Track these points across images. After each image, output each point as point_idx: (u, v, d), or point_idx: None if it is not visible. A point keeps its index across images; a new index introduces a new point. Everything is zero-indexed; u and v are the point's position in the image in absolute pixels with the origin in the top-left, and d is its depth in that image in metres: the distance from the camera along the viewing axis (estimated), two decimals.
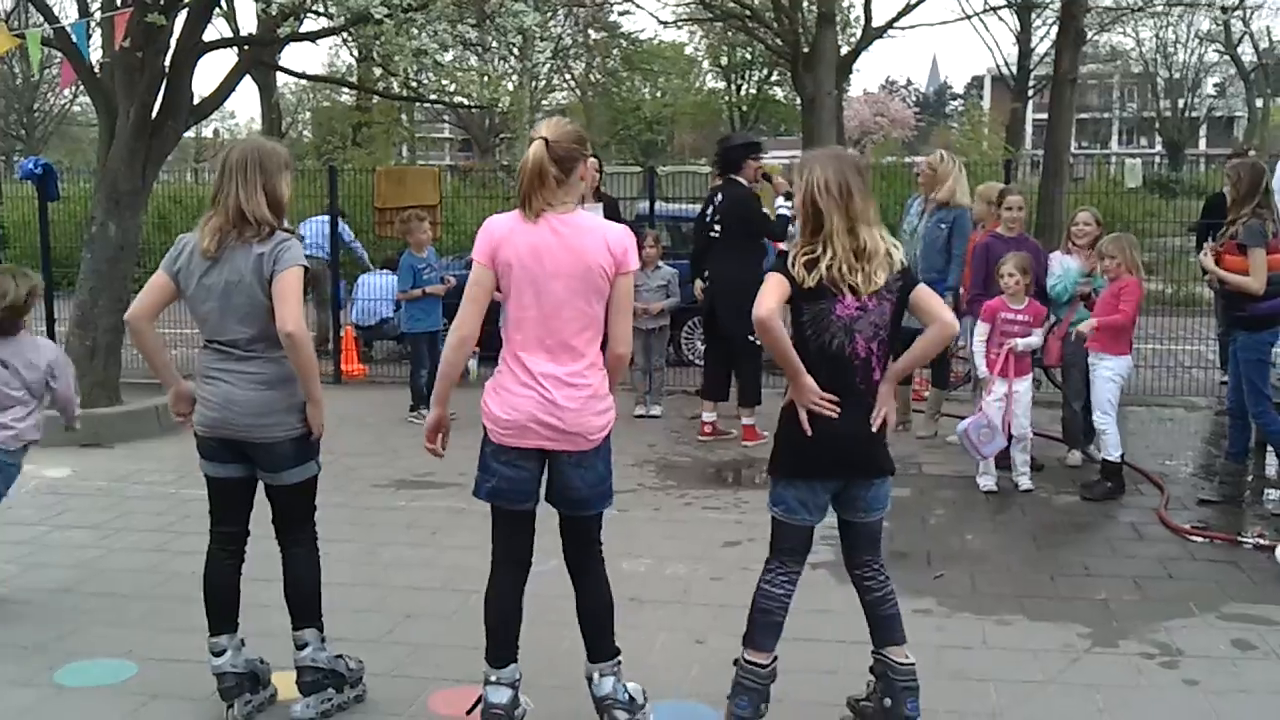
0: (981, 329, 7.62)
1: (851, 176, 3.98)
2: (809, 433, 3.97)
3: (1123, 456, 7.36)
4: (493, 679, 4.07)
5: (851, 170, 4.02)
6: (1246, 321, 6.87)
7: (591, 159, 9.58)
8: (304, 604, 4.38)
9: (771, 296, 3.91)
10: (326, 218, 12.47)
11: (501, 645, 4.10)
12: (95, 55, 9.99)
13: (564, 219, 3.94)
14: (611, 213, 10.07)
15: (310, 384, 4.22)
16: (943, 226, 8.60)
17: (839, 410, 3.95)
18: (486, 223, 4.06)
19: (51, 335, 12.18)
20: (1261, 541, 6.21)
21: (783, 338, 3.96)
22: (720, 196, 9.00)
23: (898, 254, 4.00)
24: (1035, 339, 7.44)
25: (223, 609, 4.35)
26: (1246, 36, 46.84)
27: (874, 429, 3.99)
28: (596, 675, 4.14)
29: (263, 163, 4.18)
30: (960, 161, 9.06)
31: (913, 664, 4.11)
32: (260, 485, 4.36)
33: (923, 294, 4.02)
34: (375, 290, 13.04)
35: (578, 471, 4.00)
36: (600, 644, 4.17)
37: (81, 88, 9.91)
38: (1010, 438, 7.38)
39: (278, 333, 4.10)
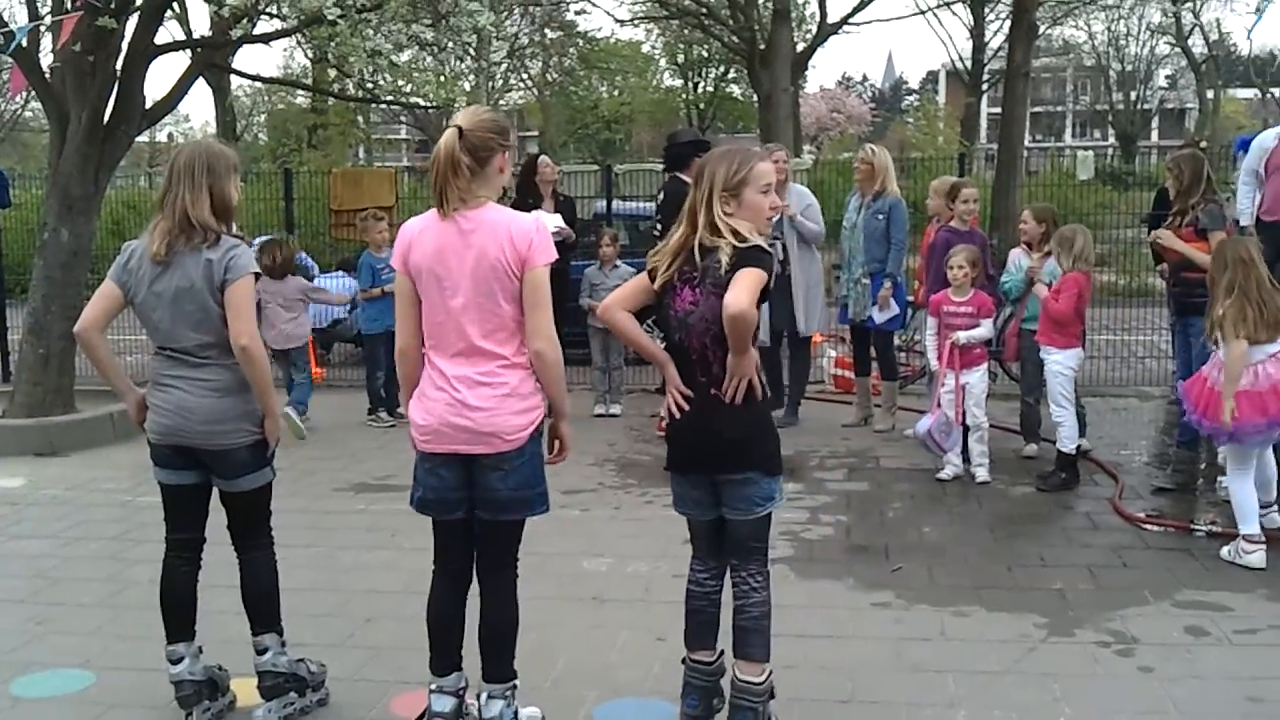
0: (931, 323, 7.72)
1: (715, 166, 3.91)
2: (665, 421, 4.03)
3: (1079, 448, 7.45)
4: (434, 686, 4.05)
5: (715, 159, 3.94)
6: (1203, 308, 6.95)
7: (543, 157, 9.67)
8: (263, 609, 4.36)
9: (618, 291, 4.09)
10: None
11: (442, 653, 4.06)
12: (46, 60, 9.90)
13: (470, 215, 3.79)
14: (568, 213, 10.09)
15: (265, 396, 4.19)
16: (880, 217, 8.79)
17: (686, 406, 3.94)
18: (402, 228, 3.99)
19: (4, 344, 12.09)
20: (1214, 529, 6.28)
21: (626, 326, 4.00)
22: (661, 193, 9.12)
23: (728, 247, 3.79)
24: (980, 331, 7.50)
25: (180, 617, 4.31)
26: (1197, 29, 47.43)
27: (726, 400, 3.83)
28: (484, 696, 3.99)
29: (210, 165, 4.13)
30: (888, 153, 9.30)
31: (755, 684, 3.96)
32: (215, 491, 4.34)
33: (734, 278, 3.70)
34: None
35: (496, 474, 3.85)
36: (496, 663, 4.00)
37: (32, 93, 9.78)
38: (965, 429, 7.47)
39: (232, 344, 4.08)
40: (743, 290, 3.64)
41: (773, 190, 3.99)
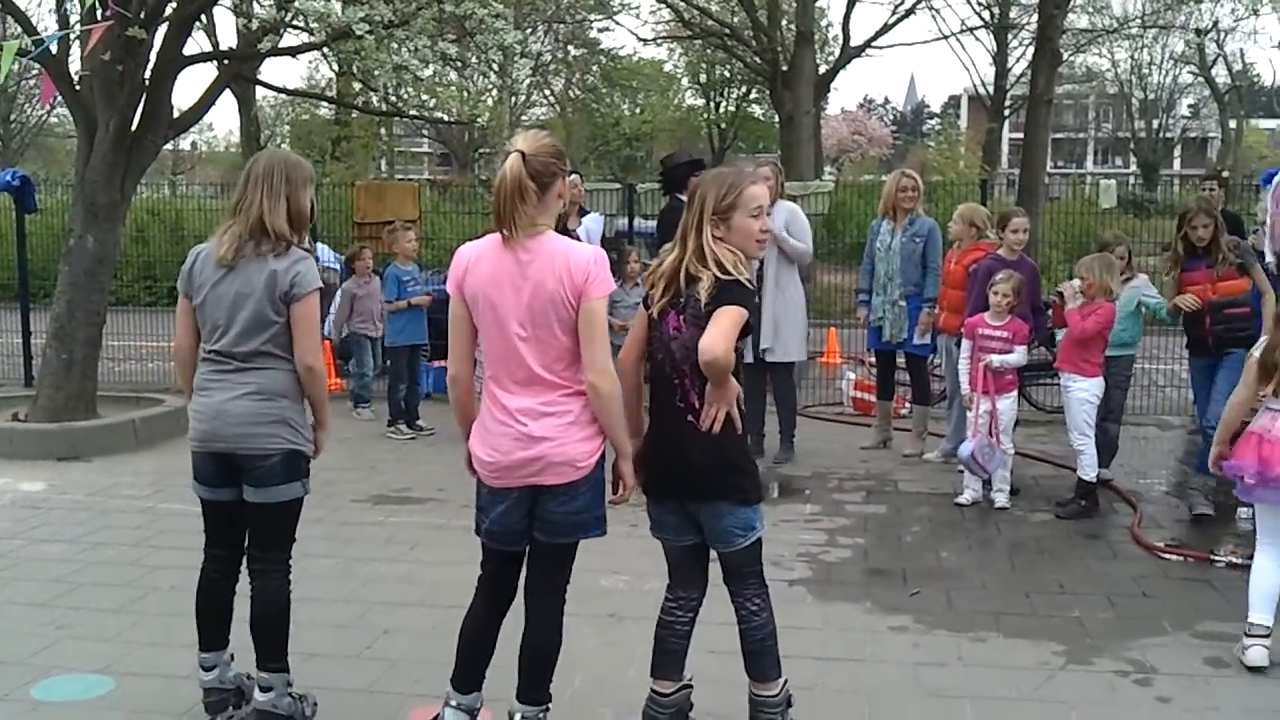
0: (966, 345, 7.71)
1: (707, 189, 3.86)
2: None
3: (1099, 477, 7.43)
4: (453, 702, 4.03)
5: (707, 182, 3.90)
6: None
7: (574, 176, 9.69)
8: (271, 640, 4.28)
9: (630, 340, 4.06)
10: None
11: (466, 670, 4.03)
12: (75, 67, 9.98)
13: (529, 244, 3.72)
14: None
15: (321, 411, 4.34)
16: (918, 240, 8.73)
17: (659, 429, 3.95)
18: (458, 251, 3.92)
19: (27, 348, 12.16)
20: (1234, 560, 6.25)
21: (628, 394, 3.94)
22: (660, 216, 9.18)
23: (709, 278, 3.76)
24: (1013, 357, 7.48)
25: (214, 626, 4.33)
26: (1220, 59, 47.35)
27: (703, 428, 3.79)
28: (518, 716, 3.96)
29: (289, 174, 4.18)
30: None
31: (771, 696, 3.99)
32: None
33: (713, 316, 3.71)
34: None
35: (559, 499, 3.78)
36: (533, 685, 3.96)
37: (59, 99, 9.85)
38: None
39: (297, 363, 4.14)
40: (719, 334, 3.65)
41: (764, 214, 3.95)
